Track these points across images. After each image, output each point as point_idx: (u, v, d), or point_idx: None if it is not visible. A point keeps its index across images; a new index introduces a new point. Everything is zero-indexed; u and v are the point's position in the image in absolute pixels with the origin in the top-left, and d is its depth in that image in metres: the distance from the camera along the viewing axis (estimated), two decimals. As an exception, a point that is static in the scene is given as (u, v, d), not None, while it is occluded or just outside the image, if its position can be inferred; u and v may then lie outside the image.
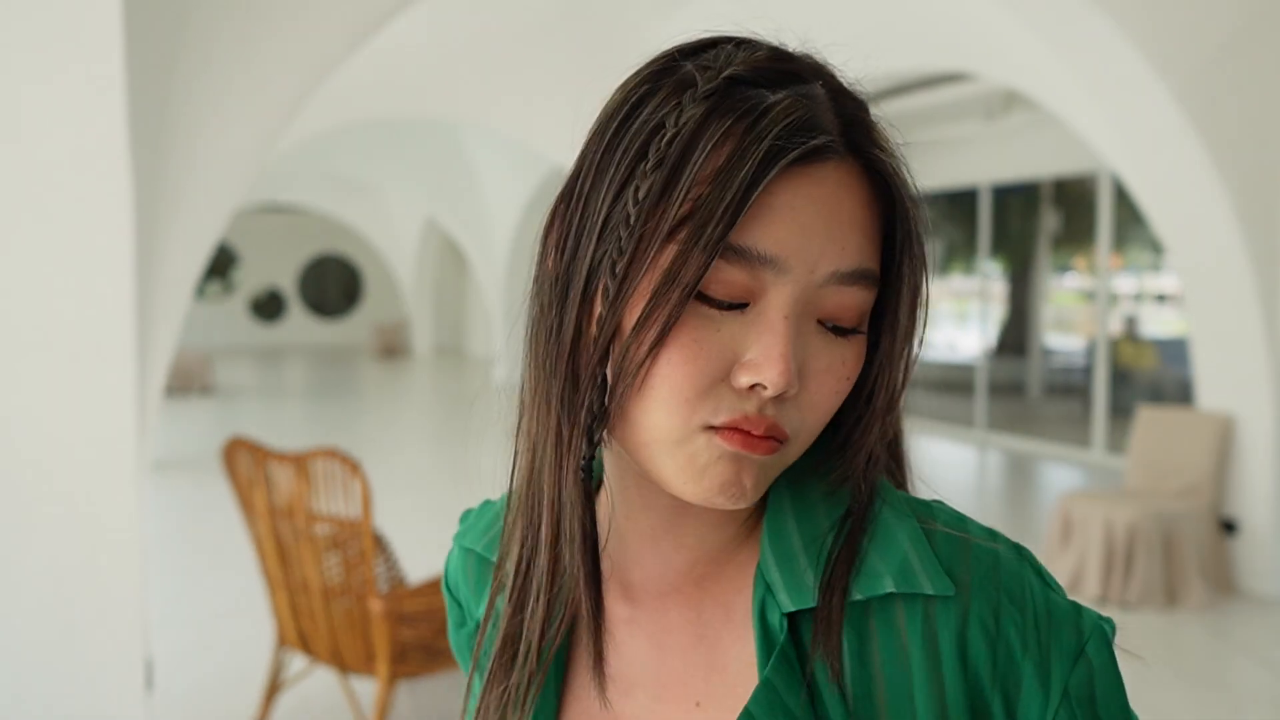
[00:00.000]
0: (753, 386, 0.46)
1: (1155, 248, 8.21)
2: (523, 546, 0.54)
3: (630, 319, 0.47)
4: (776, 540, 0.52)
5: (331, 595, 2.67)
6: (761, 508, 0.54)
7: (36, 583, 2.34)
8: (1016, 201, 9.30)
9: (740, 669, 0.52)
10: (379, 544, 2.75)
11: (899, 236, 0.50)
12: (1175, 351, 7.75)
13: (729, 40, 0.50)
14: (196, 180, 2.91)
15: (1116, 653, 0.51)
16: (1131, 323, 8.89)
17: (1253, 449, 4.44)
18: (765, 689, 0.48)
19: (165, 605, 4.14)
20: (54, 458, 2.35)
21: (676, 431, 0.47)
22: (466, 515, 0.66)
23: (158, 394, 2.92)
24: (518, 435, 0.54)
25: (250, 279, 19.42)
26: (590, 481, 0.50)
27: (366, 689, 3.20)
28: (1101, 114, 4.51)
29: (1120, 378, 8.03)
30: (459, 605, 0.64)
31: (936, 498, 0.55)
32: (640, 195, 0.46)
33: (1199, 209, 4.30)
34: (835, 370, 0.49)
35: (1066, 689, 0.48)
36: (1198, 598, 4.27)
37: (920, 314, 0.52)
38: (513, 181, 11.59)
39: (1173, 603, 4.31)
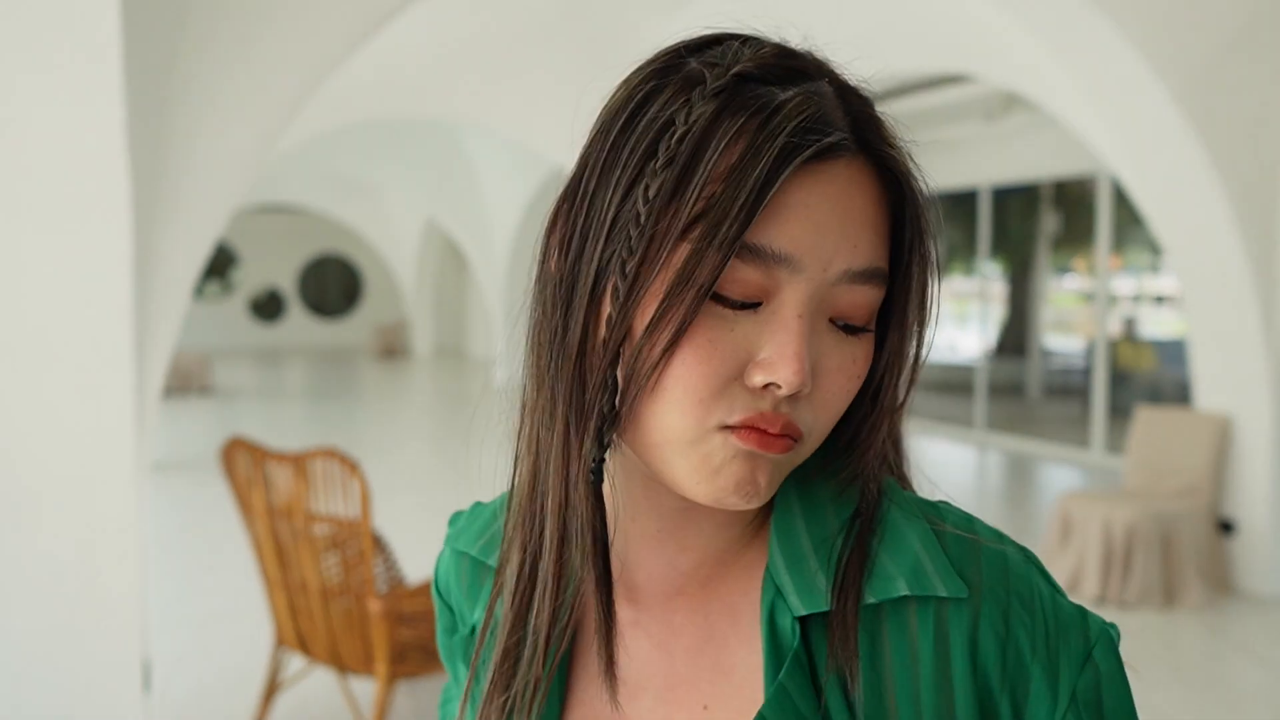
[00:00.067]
0: (766, 385, 0.46)
1: (1154, 249, 8.22)
2: (524, 551, 0.53)
3: (642, 320, 0.46)
4: (785, 542, 0.51)
5: (330, 595, 2.67)
6: (766, 509, 0.54)
7: (34, 583, 2.34)
8: (1016, 203, 9.31)
9: (748, 672, 0.51)
10: (378, 544, 2.75)
11: (907, 234, 0.50)
12: (1174, 353, 7.75)
13: (733, 37, 0.49)
14: (195, 180, 2.91)
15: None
16: (1130, 324, 8.89)
17: (1251, 449, 4.45)
18: (780, 694, 0.48)
19: (164, 606, 4.14)
20: (52, 458, 2.35)
21: (691, 432, 0.46)
22: (456, 518, 0.65)
23: (156, 394, 2.92)
24: (518, 438, 0.53)
25: (250, 279, 19.41)
26: (600, 484, 0.49)
27: (365, 689, 3.20)
28: (1101, 116, 4.51)
29: (1119, 379, 8.03)
30: (450, 609, 0.63)
31: (943, 498, 0.55)
32: (651, 194, 0.45)
33: (1198, 211, 4.30)
34: (847, 369, 0.48)
35: (1074, 693, 0.48)
36: (1196, 597, 4.27)
37: (929, 312, 0.51)
38: (513, 182, 11.60)
39: (1171, 602, 4.31)
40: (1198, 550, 4.39)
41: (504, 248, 12.29)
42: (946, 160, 8.29)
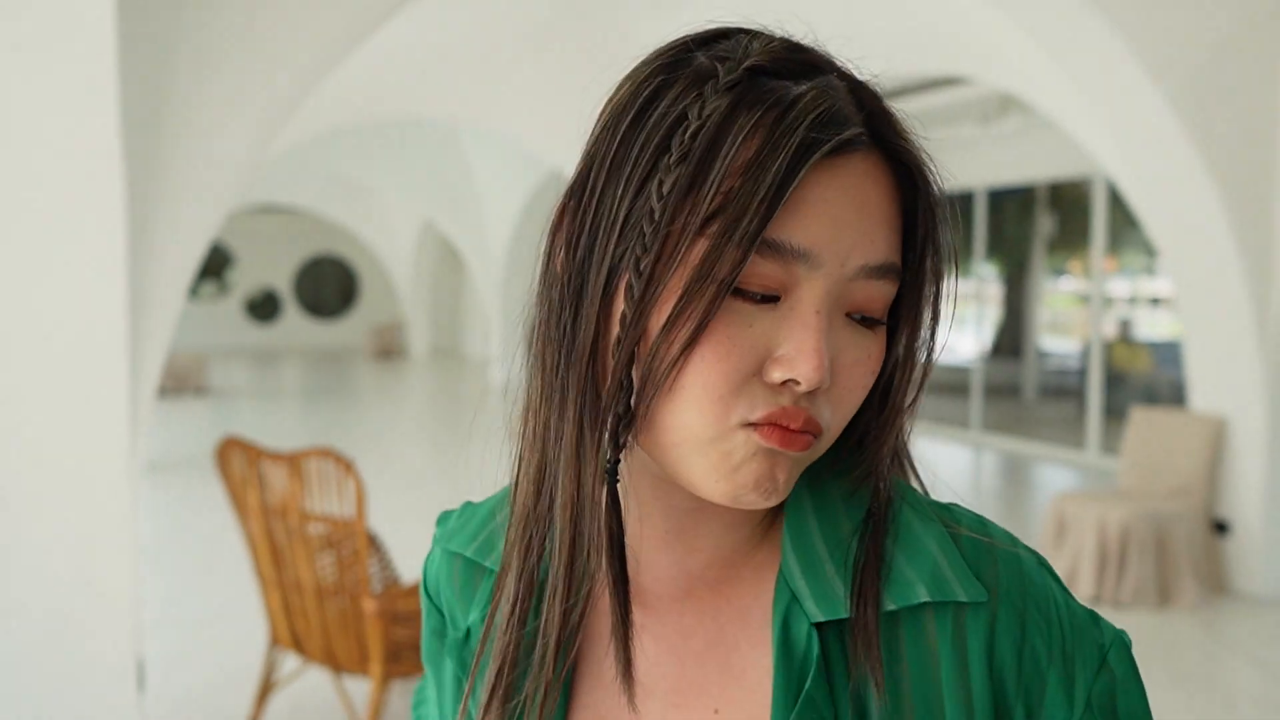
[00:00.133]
0: (785, 382, 0.45)
1: (1149, 251, 8.24)
2: (528, 554, 0.52)
3: (658, 318, 0.45)
4: (799, 544, 0.50)
5: (325, 595, 2.67)
6: (775, 510, 0.54)
7: (28, 583, 2.34)
8: (1012, 205, 9.33)
9: (759, 675, 0.51)
10: (373, 544, 2.75)
11: (921, 229, 0.49)
12: (1169, 354, 7.77)
13: (740, 31, 0.49)
14: (190, 181, 2.91)
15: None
16: (1126, 326, 8.92)
17: (1245, 450, 4.46)
18: (807, 704, 0.47)
19: (159, 605, 4.13)
20: (47, 458, 2.35)
21: (711, 430, 0.46)
22: (445, 518, 0.63)
23: (151, 395, 2.92)
24: (521, 439, 0.52)
25: (246, 280, 19.39)
26: (616, 484, 0.48)
27: (360, 689, 3.20)
28: (1096, 118, 4.53)
29: (1114, 380, 8.05)
30: (439, 612, 0.61)
31: (954, 499, 0.54)
32: (665, 190, 0.44)
33: (1192, 213, 4.32)
34: (863, 364, 0.48)
35: (1090, 699, 0.48)
36: (1190, 597, 4.28)
37: (943, 306, 0.51)
38: (509, 183, 11.59)
39: (1165, 602, 4.32)
40: (1192, 551, 4.40)
41: (500, 249, 12.28)
42: (942, 162, 8.29)
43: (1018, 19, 4.22)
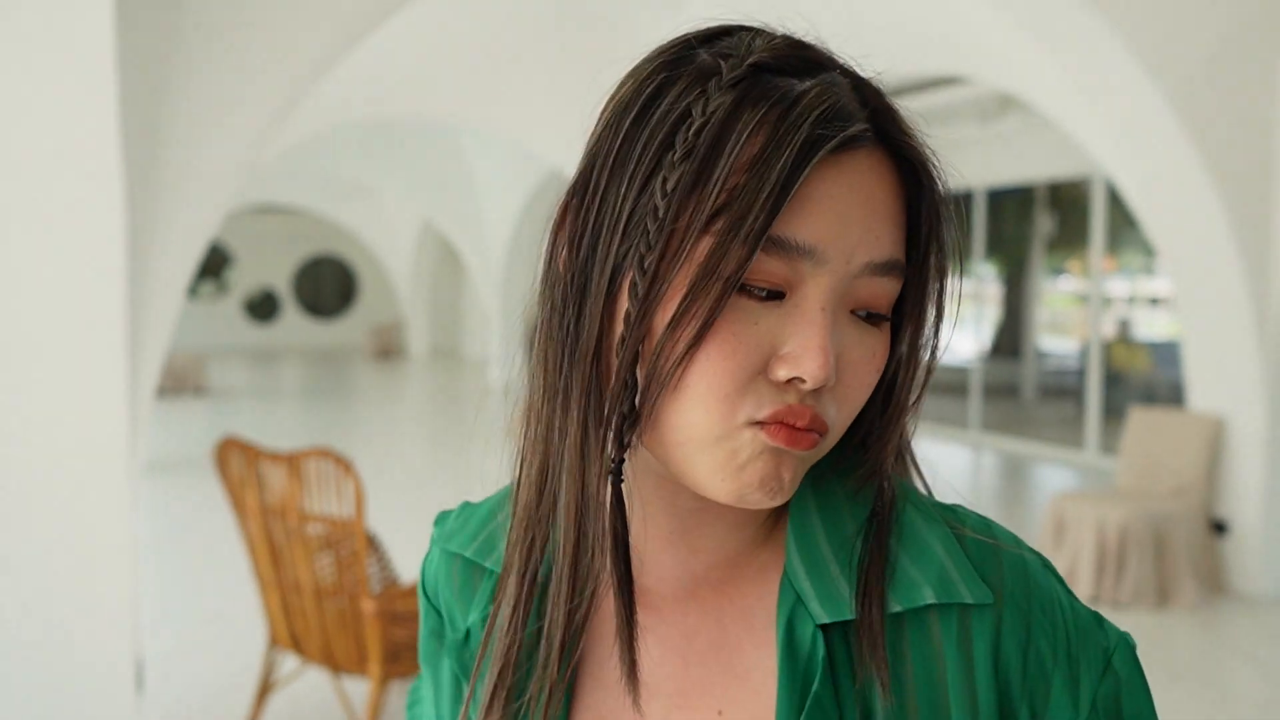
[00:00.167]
0: (790, 380, 0.45)
1: (1148, 251, 8.24)
2: (531, 555, 0.52)
3: (663, 316, 0.45)
4: (803, 545, 0.50)
5: (324, 595, 2.67)
6: (779, 510, 0.53)
7: (27, 583, 2.34)
8: (1011, 204, 9.33)
9: (763, 676, 0.50)
10: (371, 544, 2.74)
11: (924, 226, 0.49)
12: (1168, 354, 7.78)
13: (741, 29, 0.49)
14: (188, 181, 2.90)
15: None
16: (1125, 325, 8.92)
17: (1243, 450, 4.46)
18: (815, 706, 0.47)
19: (157, 606, 4.13)
20: (44, 459, 2.35)
21: (717, 428, 0.45)
22: (444, 518, 0.63)
23: (149, 395, 2.91)
24: (523, 440, 0.52)
25: (245, 280, 19.38)
26: (621, 484, 0.48)
27: (359, 689, 3.20)
28: (1095, 118, 4.53)
29: (1113, 380, 8.06)
30: (437, 613, 0.60)
31: (957, 501, 0.54)
32: (669, 187, 0.44)
33: (1191, 213, 4.32)
34: (868, 361, 0.48)
35: (1095, 701, 0.48)
36: (1189, 597, 4.28)
37: (946, 304, 0.51)
38: (509, 183, 11.59)
39: (1164, 602, 4.32)
40: (1191, 550, 4.40)
41: (500, 249, 12.28)
42: (941, 161, 8.28)
43: (1017, 19, 4.22)
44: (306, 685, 3.26)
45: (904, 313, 0.50)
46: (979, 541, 0.50)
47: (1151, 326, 9.13)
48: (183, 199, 2.89)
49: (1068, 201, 8.80)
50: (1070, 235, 9.01)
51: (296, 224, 18.71)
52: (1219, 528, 4.55)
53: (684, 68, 0.47)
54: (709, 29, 0.49)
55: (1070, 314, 9.94)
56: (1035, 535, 4.91)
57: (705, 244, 0.44)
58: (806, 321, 0.45)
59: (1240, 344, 4.37)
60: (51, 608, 2.36)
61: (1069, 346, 9.81)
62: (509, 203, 11.83)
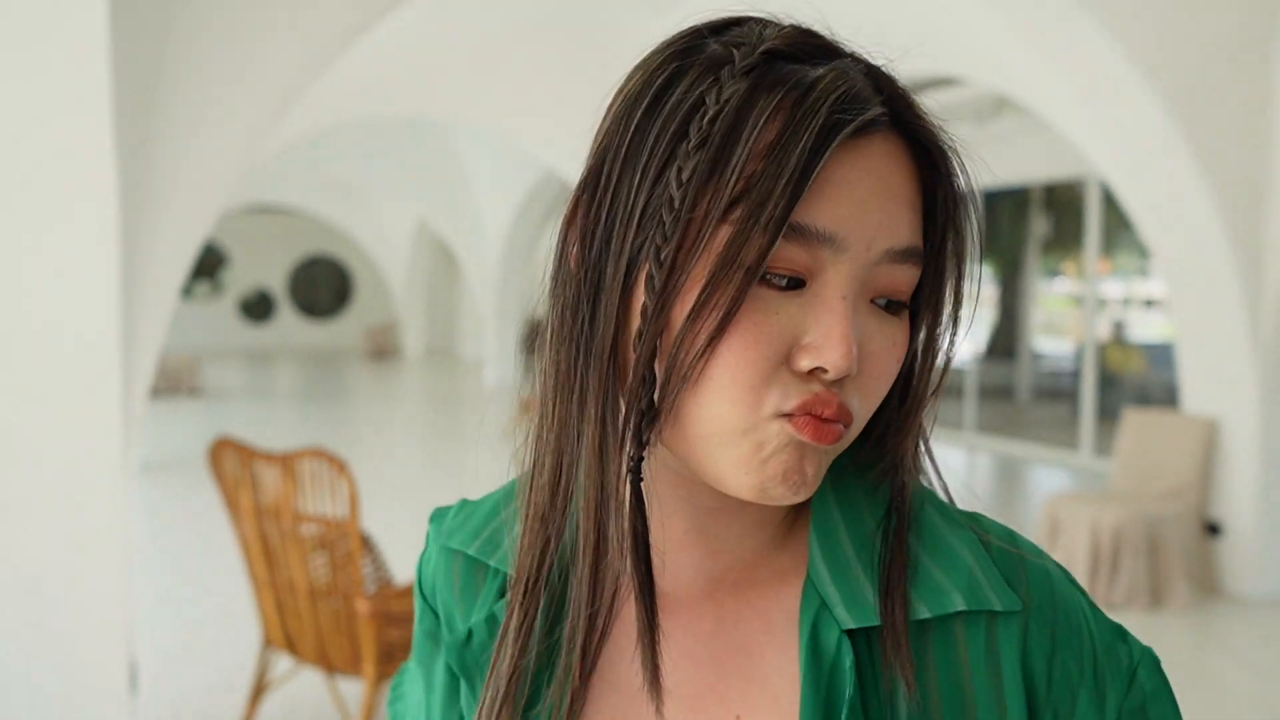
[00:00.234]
0: (813, 370, 0.44)
1: (1143, 253, 8.27)
2: (544, 559, 0.51)
3: (682, 308, 0.44)
4: (827, 547, 0.49)
5: (318, 596, 2.67)
6: (797, 514, 0.53)
7: (19, 584, 2.33)
8: (1006, 206, 9.36)
9: (783, 681, 0.49)
10: (366, 544, 2.74)
11: (941, 213, 0.48)
12: (1162, 356, 7.80)
13: (751, 19, 0.48)
14: (183, 180, 2.90)
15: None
16: (1119, 327, 8.95)
17: (1237, 452, 4.47)
18: (851, 714, 0.46)
19: (151, 606, 4.12)
20: (37, 459, 2.34)
21: (743, 421, 0.44)
22: (441, 515, 0.61)
23: (143, 395, 2.91)
24: (538, 440, 0.50)
25: (240, 280, 19.35)
26: (640, 483, 0.47)
27: (353, 690, 3.19)
28: (1090, 119, 4.54)
29: (1108, 381, 8.08)
30: (434, 613, 0.59)
31: (966, 507, 0.53)
32: (685, 177, 0.43)
33: (1186, 215, 4.33)
34: (889, 350, 0.47)
35: (1120, 716, 0.48)
36: (1182, 599, 4.30)
37: (964, 292, 0.50)
38: (505, 184, 11.59)
39: (1158, 603, 4.33)
40: (1184, 552, 4.41)
41: (495, 249, 12.27)
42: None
43: (1012, 20, 4.23)
44: (301, 686, 3.26)
45: (920, 302, 0.49)
46: (1004, 549, 0.49)
47: (1146, 328, 9.16)
48: (177, 199, 2.89)
49: (1063, 203, 8.83)
50: (1065, 237, 9.03)
51: (292, 224, 18.69)
52: (1212, 529, 4.56)
53: (695, 57, 0.46)
54: (717, 20, 0.48)
55: (1065, 316, 9.97)
56: (1030, 536, 4.88)
57: (724, 233, 0.43)
58: (827, 310, 0.44)
59: (1234, 346, 4.38)
60: (44, 608, 2.35)
61: (1064, 348, 9.83)
62: (505, 203, 11.83)
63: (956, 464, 8.08)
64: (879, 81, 0.47)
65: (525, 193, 11.41)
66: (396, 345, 18.14)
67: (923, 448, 0.53)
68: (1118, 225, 7.61)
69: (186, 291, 17.80)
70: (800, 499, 0.46)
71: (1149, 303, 9.19)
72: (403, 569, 3.57)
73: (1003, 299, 10.10)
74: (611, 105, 0.48)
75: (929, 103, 0.49)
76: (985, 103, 7.48)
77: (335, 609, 2.66)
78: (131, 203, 2.60)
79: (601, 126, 0.48)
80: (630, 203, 0.45)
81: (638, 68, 0.48)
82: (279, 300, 19.60)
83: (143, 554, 4.87)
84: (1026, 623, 0.48)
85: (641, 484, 0.47)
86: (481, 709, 0.52)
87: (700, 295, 0.43)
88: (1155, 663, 0.50)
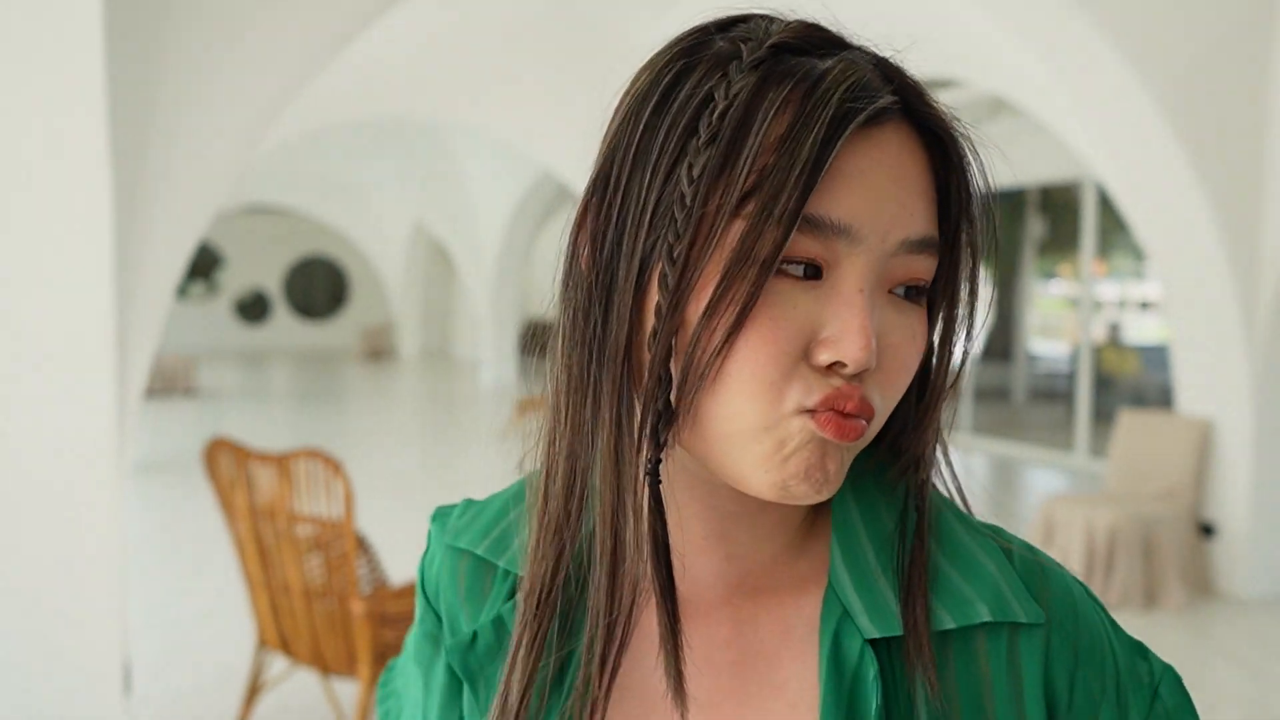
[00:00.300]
0: (832, 364, 0.44)
1: (1139, 255, 8.29)
2: (557, 566, 0.50)
3: (697, 306, 0.43)
4: (849, 553, 0.49)
5: (313, 596, 2.66)
6: (815, 520, 0.52)
7: (13, 585, 2.32)
8: (1002, 208, 9.35)
9: (802, 689, 0.49)
10: (361, 545, 2.74)
11: (954, 203, 0.48)
12: (1157, 358, 7.83)
13: (757, 15, 0.48)
14: (177, 181, 2.89)
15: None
16: (1115, 329, 8.97)
17: (1230, 453, 4.49)
18: None
19: (146, 607, 4.11)
20: (32, 459, 2.34)
21: (765, 417, 0.44)
22: (445, 514, 0.60)
23: (138, 396, 2.90)
24: (550, 446, 0.50)
25: (235, 281, 19.31)
26: (659, 486, 0.46)
27: (348, 690, 3.19)
28: (1085, 121, 4.55)
29: (1103, 383, 8.10)
30: (436, 615, 0.57)
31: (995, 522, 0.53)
32: (696, 173, 0.43)
33: (1180, 216, 4.34)
34: (909, 343, 0.46)
35: None
36: (1176, 599, 4.31)
37: (979, 282, 0.49)
38: (501, 184, 11.58)
39: (1152, 604, 4.34)
40: (1179, 553, 4.42)
41: (491, 250, 12.26)
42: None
43: (1006, 22, 4.24)
44: (295, 686, 3.25)
45: (936, 294, 0.49)
46: (1025, 559, 0.49)
47: (1141, 330, 9.18)
48: (171, 199, 2.88)
49: (1059, 205, 8.85)
50: (1061, 239, 9.05)
51: (287, 225, 18.66)
52: (1206, 530, 4.57)
53: (702, 54, 0.46)
54: (723, 18, 0.48)
55: (1061, 317, 9.99)
56: (1025, 538, 4.92)
57: (737, 227, 0.43)
58: (844, 304, 0.43)
59: (1228, 348, 4.40)
60: (39, 609, 2.34)
61: (1059, 350, 9.85)
62: (500, 204, 11.82)
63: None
64: (888, 71, 0.47)
65: (522, 193, 11.40)
66: (392, 346, 18.12)
67: (943, 450, 0.52)
68: (1113, 227, 7.63)
69: (182, 292, 17.77)
70: (822, 498, 0.45)
71: (1144, 305, 9.22)
72: (398, 570, 3.57)
73: (999, 301, 10.13)
74: (619, 106, 0.48)
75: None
76: (981, 104, 7.49)
77: (330, 610, 2.66)
78: (126, 203, 2.60)
79: (609, 127, 0.48)
80: (641, 201, 0.45)
81: (645, 67, 0.47)
82: (275, 301, 19.58)
83: (137, 554, 4.86)
84: (1049, 636, 0.47)
85: (660, 487, 0.46)
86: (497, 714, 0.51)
87: (715, 291, 0.43)
88: (1177, 681, 0.50)
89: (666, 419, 0.45)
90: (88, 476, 2.37)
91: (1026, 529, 5.12)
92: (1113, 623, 0.50)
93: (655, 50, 0.48)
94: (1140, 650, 0.50)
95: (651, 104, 0.45)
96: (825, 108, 0.43)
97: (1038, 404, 9.62)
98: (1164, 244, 4.56)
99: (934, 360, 0.50)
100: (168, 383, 11.77)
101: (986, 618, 0.46)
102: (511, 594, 0.54)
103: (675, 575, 0.48)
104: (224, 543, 4.34)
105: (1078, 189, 7.70)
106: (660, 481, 0.46)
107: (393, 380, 14.66)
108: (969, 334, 0.50)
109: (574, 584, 0.51)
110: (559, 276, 0.49)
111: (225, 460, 2.68)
